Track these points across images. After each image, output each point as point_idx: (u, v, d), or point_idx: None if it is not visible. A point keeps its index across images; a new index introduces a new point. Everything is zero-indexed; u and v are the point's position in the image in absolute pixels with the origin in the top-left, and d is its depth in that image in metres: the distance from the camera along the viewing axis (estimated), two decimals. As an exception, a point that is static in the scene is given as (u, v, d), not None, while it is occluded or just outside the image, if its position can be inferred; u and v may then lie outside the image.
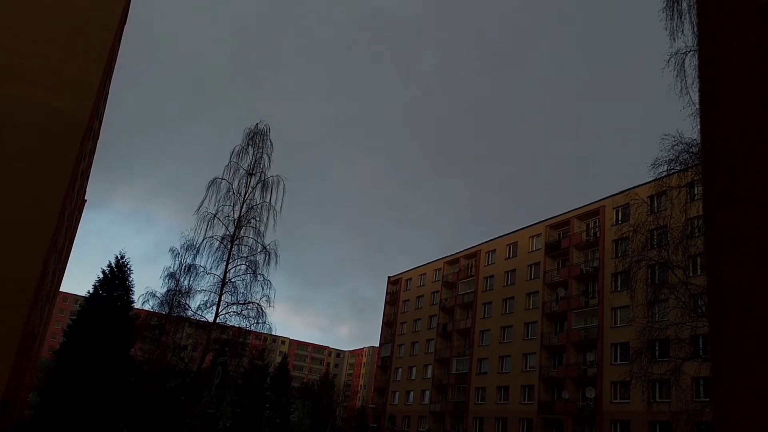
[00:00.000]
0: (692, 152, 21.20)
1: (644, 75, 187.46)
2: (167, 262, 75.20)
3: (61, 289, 59.76)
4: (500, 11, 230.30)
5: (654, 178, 25.14)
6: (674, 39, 13.30)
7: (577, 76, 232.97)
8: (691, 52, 13.55)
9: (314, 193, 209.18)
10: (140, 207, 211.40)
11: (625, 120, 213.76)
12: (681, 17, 12.81)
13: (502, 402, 59.30)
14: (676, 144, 21.70)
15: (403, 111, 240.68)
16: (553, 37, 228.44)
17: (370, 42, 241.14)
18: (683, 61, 14.04)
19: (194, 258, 35.64)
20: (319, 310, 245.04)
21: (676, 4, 12.67)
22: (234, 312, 35.43)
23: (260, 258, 36.16)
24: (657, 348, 33.52)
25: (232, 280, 35.82)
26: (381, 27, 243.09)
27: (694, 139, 20.44)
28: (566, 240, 57.96)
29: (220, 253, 35.87)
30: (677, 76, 14.06)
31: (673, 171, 23.17)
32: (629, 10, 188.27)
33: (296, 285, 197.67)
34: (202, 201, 35.70)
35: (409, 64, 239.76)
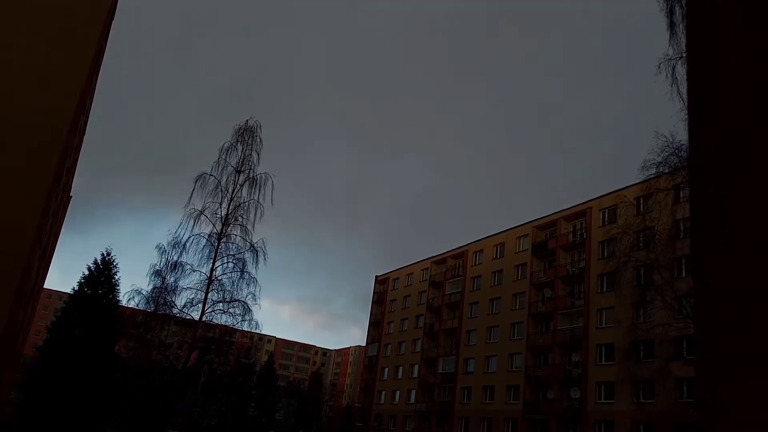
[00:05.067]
0: (680, 155, 21.40)
1: (636, 77, 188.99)
2: (154, 260, 74.62)
3: (46, 286, 59.01)
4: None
5: (642, 179, 25.32)
6: (671, 45, 13.43)
7: (570, 77, 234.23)
8: (682, 58, 13.66)
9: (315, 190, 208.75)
10: (127, 204, 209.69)
11: (615, 121, 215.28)
12: (674, 25, 12.93)
13: (487, 402, 59.51)
14: (666, 147, 21.90)
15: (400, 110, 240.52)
16: (542, 39, 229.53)
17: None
18: (674, 67, 14.16)
19: (181, 255, 35.35)
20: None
21: (672, 13, 12.78)
22: (220, 310, 35.24)
23: (248, 256, 35.98)
24: (642, 349, 33.82)
25: (219, 278, 35.62)
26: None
27: (683, 142, 20.63)
28: (553, 241, 58.29)
29: (207, 250, 35.65)
30: (672, 84, 14.18)
31: (661, 173, 23.35)
32: (621, 13, 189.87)
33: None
34: (190, 196, 35.41)
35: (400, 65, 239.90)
